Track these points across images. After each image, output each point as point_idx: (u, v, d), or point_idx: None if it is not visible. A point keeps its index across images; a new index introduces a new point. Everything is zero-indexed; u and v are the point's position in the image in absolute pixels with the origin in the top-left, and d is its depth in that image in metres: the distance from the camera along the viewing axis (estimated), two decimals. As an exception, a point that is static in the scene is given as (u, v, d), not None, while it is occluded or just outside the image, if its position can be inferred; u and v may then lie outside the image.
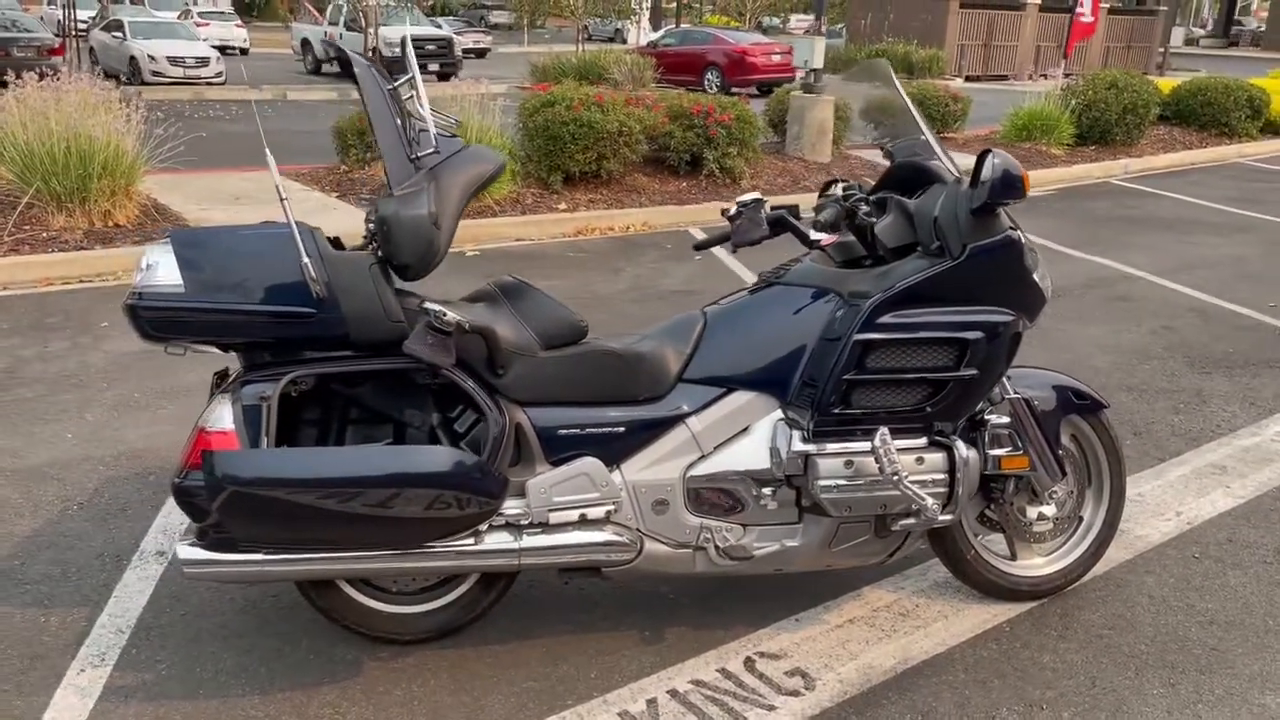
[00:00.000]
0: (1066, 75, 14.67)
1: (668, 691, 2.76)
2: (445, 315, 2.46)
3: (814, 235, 3.04)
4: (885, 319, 2.68)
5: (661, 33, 27.13)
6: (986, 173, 2.62)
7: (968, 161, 2.71)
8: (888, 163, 3.16)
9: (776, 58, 22.11)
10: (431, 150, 2.56)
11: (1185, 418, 4.73)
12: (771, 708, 2.71)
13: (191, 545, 2.55)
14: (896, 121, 3.12)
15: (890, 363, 2.71)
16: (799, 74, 13.66)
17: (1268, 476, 4.12)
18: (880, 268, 2.83)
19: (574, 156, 9.06)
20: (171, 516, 3.56)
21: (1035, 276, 2.83)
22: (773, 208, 3.01)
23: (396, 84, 2.61)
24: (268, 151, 2.49)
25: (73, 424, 4.37)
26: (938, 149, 2.92)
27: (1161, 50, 30.10)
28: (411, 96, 2.66)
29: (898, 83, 3.08)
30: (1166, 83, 15.43)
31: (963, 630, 3.06)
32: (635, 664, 2.88)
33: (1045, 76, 16.70)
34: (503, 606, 2.97)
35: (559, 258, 7.74)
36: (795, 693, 2.77)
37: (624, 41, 34.91)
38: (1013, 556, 3.20)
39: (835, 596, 3.20)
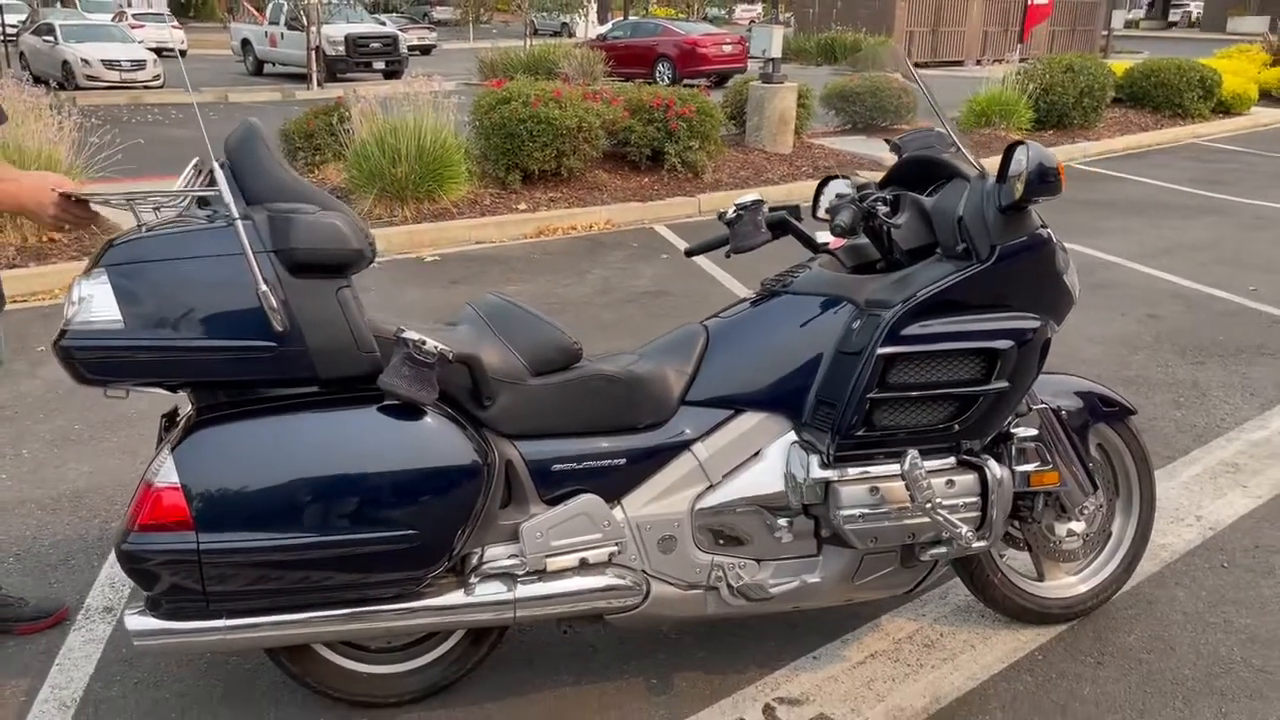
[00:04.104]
0: (1022, 60, 14.60)
1: (682, 748, 2.50)
2: (425, 344, 2.17)
3: (820, 238, 2.80)
4: (909, 330, 2.42)
5: (610, 25, 26.76)
6: (1018, 166, 2.38)
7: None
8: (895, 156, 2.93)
9: (728, 48, 21.86)
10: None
11: (1187, 412, 4.55)
12: (798, 762, 2.46)
13: (141, 614, 2.24)
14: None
15: (916, 378, 2.46)
16: (753, 64, 13.42)
17: (1282, 473, 3.95)
18: (897, 273, 2.58)
19: (532, 154, 8.74)
20: (119, 567, 3.21)
21: (1066, 278, 2.61)
22: (771, 209, 2.76)
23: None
24: (215, 165, 2.18)
25: (7, 462, 4.01)
26: (958, 141, 2.68)
27: (1105, 33, 30.26)
28: None
29: (914, 70, 2.84)
30: (1119, 65, 15.40)
31: (993, 661, 2.83)
32: (645, 718, 2.61)
33: (1002, 61, 16.64)
34: (493, 659, 2.69)
35: (522, 260, 7.43)
36: (822, 743, 2.53)
37: (571, 35, 34.49)
38: (1040, 577, 2.98)
39: (853, 629, 2.96)
